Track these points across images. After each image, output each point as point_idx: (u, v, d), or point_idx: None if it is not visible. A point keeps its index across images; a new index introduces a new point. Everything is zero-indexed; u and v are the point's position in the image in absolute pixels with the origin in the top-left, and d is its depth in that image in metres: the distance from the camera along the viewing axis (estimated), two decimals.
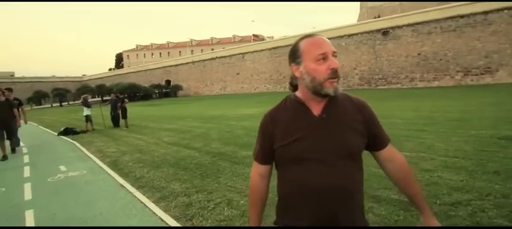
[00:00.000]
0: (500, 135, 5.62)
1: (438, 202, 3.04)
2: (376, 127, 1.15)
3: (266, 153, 1.14)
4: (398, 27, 26.19)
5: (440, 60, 23.98)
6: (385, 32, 27.14)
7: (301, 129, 1.05)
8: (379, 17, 30.93)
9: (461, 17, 22.77)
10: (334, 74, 1.02)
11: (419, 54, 25.14)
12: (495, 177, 3.57)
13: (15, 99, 7.90)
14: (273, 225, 1.18)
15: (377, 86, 27.66)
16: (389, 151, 1.18)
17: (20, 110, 7.68)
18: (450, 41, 23.44)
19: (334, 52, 1.04)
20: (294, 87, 1.16)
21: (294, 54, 1.08)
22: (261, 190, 1.20)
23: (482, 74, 22.01)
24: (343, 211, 1.04)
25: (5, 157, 6.77)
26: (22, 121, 7.94)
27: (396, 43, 26.49)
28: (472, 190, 3.23)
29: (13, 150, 7.50)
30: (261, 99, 24.22)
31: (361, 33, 28.85)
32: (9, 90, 7.72)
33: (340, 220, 1.04)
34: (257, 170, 1.20)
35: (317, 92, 1.03)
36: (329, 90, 1.02)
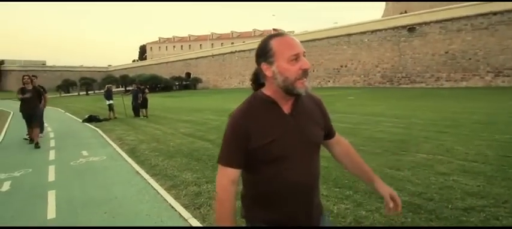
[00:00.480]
0: None
1: (450, 206, 2.95)
2: (329, 120, 1.27)
3: (239, 156, 1.08)
4: (426, 23, 25.05)
5: (470, 59, 22.73)
6: (411, 29, 26.06)
7: (277, 128, 1.07)
8: (405, 12, 29.66)
9: (494, 14, 21.41)
10: (305, 74, 1.05)
11: (446, 52, 23.96)
12: None
13: (39, 86, 8.01)
14: (264, 225, 1.15)
15: (400, 84, 26.72)
16: (336, 138, 1.33)
17: (42, 97, 7.68)
18: (481, 39, 22.14)
19: (304, 52, 1.07)
20: (258, 85, 1.16)
21: (266, 53, 1.07)
22: (232, 198, 1.11)
23: None
24: (312, 202, 1.15)
25: (37, 145, 6.71)
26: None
27: (422, 40, 25.38)
28: (488, 196, 3.10)
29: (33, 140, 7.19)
30: None
31: (385, 29, 27.87)
32: (35, 77, 7.90)
33: (312, 210, 1.14)
34: (228, 176, 1.09)
35: (289, 91, 1.06)
36: (300, 90, 1.05)
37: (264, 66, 1.08)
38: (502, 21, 21.20)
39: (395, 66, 27.26)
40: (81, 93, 48.01)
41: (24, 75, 7.38)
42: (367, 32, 29.10)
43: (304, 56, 1.07)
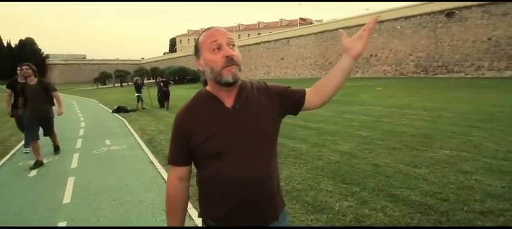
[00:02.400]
0: None
1: (466, 208, 2.69)
2: (285, 92, 1.15)
3: (184, 154, 1.09)
4: (466, 7, 22.97)
5: None
6: (449, 13, 24.06)
7: (217, 123, 1.04)
8: None
9: None
10: (230, 61, 1.01)
11: (489, 39, 21.85)
12: None
13: (44, 81, 5.17)
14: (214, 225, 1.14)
15: (435, 74, 24.95)
16: (309, 92, 1.15)
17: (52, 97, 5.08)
18: None
19: (230, 39, 1.03)
20: (205, 81, 1.14)
21: (195, 48, 1.09)
22: (182, 196, 1.13)
23: None
24: (264, 198, 1.08)
25: (38, 163, 4.75)
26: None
27: (462, 26, 23.36)
28: None
29: (57, 149, 5.68)
30: (303, 85, 23.64)
31: (421, 15, 26.01)
32: (29, 66, 4.83)
33: (263, 207, 1.08)
34: (176, 174, 1.11)
35: (218, 81, 1.03)
36: (227, 77, 1.01)
37: (196, 61, 1.09)
38: None
39: (431, 55, 25.45)
40: (116, 85, 50.76)
41: (22, 65, 5.01)
42: (400, 18, 27.38)
43: (233, 45, 1.04)
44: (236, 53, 1.03)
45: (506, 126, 5.84)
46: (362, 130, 6.23)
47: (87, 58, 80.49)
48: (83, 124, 9.38)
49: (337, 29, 32.52)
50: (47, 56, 72.48)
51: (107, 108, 14.32)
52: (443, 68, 24.63)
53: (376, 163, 4.04)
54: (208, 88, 1.10)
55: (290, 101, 1.15)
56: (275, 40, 41.00)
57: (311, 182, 3.49)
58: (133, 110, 12.32)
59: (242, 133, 1.04)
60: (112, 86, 50.10)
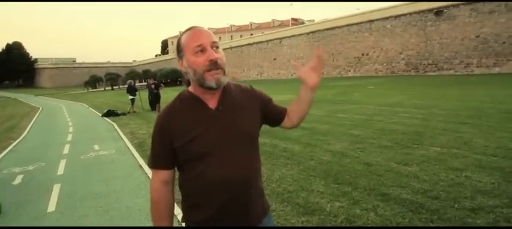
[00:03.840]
0: None
1: (456, 206, 2.68)
2: (269, 103, 1.18)
3: (167, 156, 1.05)
4: (454, 6, 23.33)
5: (504, 43, 20.94)
6: (438, 12, 24.40)
7: (200, 125, 1.02)
8: None
9: None
10: (214, 65, 0.98)
11: (478, 36, 22.24)
12: None
13: None
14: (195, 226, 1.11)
15: (426, 72, 25.27)
16: (288, 113, 1.20)
17: None
18: None
19: (214, 43, 1.00)
20: (187, 82, 1.12)
21: (178, 48, 1.06)
22: (167, 200, 1.10)
23: None
24: (249, 199, 1.06)
25: None
26: None
27: (451, 24, 23.71)
28: (502, 195, 2.79)
29: None
30: (296, 85, 23.69)
31: (410, 13, 26.31)
32: None
33: (248, 208, 1.06)
34: (159, 178, 1.08)
35: (201, 84, 1.01)
36: (210, 82, 0.99)
37: (178, 61, 1.06)
38: None
39: (421, 53, 25.77)
40: (106, 88, 50.08)
41: None
42: (391, 17, 27.66)
43: (217, 47, 1.01)
44: (220, 55, 1.01)
45: (495, 122, 5.91)
46: (354, 129, 6.22)
47: (77, 61, 79.30)
48: (71, 129, 9.19)
49: (328, 29, 32.77)
50: (36, 60, 71.07)
51: (96, 112, 14.07)
52: (433, 65, 24.97)
53: (368, 162, 4.03)
54: (191, 89, 1.08)
55: (272, 113, 1.18)
56: (267, 41, 41.01)
57: (303, 183, 3.45)
58: (123, 114, 12.14)
59: (226, 135, 1.02)
60: (103, 89, 49.40)
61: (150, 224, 2.89)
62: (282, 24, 58.88)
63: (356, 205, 2.85)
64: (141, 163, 4.92)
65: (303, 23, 52.65)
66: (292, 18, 60.44)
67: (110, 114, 11.89)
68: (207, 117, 1.03)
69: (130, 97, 12.70)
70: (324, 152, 4.66)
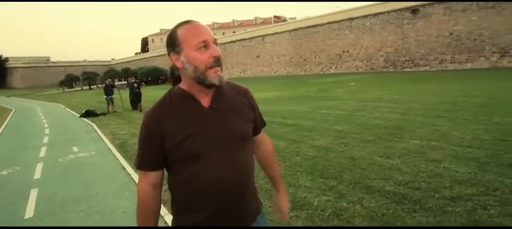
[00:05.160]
0: None
1: (437, 196, 2.80)
2: (256, 111, 1.17)
3: (156, 157, 1.00)
4: (430, 4, 24.24)
5: (475, 40, 22.01)
6: (414, 10, 25.25)
7: (193, 123, 0.98)
8: None
9: None
10: (217, 62, 0.96)
11: (451, 33, 23.24)
12: (509, 170, 3.21)
13: None
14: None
15: (403, 68, 26.14)
16: (263, 135, 1.25)
17: None
18: (487, 19, 21.35)
19: (215, 40, 0.98)
20: (175, 79, 1.07)
21: (173, 42, 0.99)
22: (155, 204, 1.04)
23: None
24: (244, 199, 1.05)
25: None
26: None
27: (426, 22, 24.62)
28: (478, 184, 2.94)
29: None
30: (280, 82, 23.88)
31: (388, 11, 27.07)
32: None
33: (243, 207, 1.05)
34: (148, 180, 1.02)
35: (201, 82, 0.97)
36: (213, 79, 0.96)
37: (173, 56, 1.00)
38: None
39: (399, 50, 26.62)
40: (84, 87, 48.25)
41: None
42: (370, 15, 28.33)
43: (216, 44, 0.99)
44: (220, 52, 0.99)
45: (469, 114, 6.21)
46: (338, 124, 6.35)
47: (51, 60, 75.76)
48: (47, 131, 8.78)
49: (310, 27, 33.13)
50: (7, 59, 67.21)
51: (74, 113, 13.52)
52: (410, 62, 25.86)
53: (352, 156, 4.12)
54: (182, 86, 1.03)
55: (255, 123, 1.16)
56: (250, 38, 40.92)
57: (290, 179, 3.48)
58: (103, 114, 11.74)
59: (220, 134, 0.99)
60: (80, 89, 47.54)
61: (134, 225, 2.80)
62: (265, 21, 58.96)
63: (342, 198, 2.91)
64: (123, 164, 4.78)
65: (285, 20, 52.93)
66: (274, 16, 60.63)
67: (88, 114, 11.47)
68: (200, 115, 0.99)
69: (107, 96, 12.25)
70: (309, 148, 4.72)
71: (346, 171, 3.62)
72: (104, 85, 13.13)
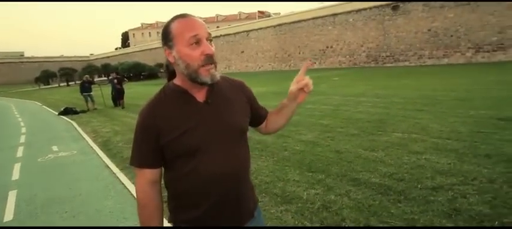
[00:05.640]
0: (501, 115, 5.35)
1: (419, 186, 2.91)
2: (256, 102, 1.17)
3: (153, 154, 0.98)
4: (409, 1, 24.94)
5: (451, 36, 22.91)
6: (395, 7, 25.90)
7: (189, 119, 0.97)
8: None
9: None
10: (209, 59, 0.94)
11: (429, 30, 24.05)
12: (485, 160, 3.39)
13: None
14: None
15: (384, 63, 26.85)
16: (267, 119, 1.22)
17: None
18: (463, 16, 22.25)
19: (209, 35, 0.96)
20: (170, 73, 1.06)
21: (166, 36, 0.97)
22: (156, 201, 1.02)
23: (494, 50, 20.99)
24: (242, 194, 1.04)
25: None
26: None
27: (406, 18, 25.34)
28: (458, 174, 3.08)
29: None
30: (265, 77, 23.91)
31: (370, 8, 27.62)
32: None
33: (241, 203, 1.04)
34: (146, 178, 1.00)
35: (193, 79, 0.95)
36: (205, 78, 0.94)
37: (166, 50, 0.98)
38: None
39: (380, 46, 27.28)
40: (61, 84, 46.34)
41: None
42: (352, 11, 28.79)
43: (210, 40, 0.96)
44: (214, 49, 0.96)
45: (448, 108, 6.48)
46: (323, 119, 6.45)
47: (25, 55, 72.10)
48: (24, 129, 8.38)
49: (294, 22, 33.28)
50: None
51: (52, 111, 12.98)
52: (391, 57, 26.59)
53: (338, 150, 4.21)
54: (177, 82, 1.01)
55: (256, 113, 1.16)
56: (234, 33, 40.63)
57: (278, 173, 3.51)
58: (83, 111, 11.34)
59: (217, 128, 0.98)
60: (57, 85, 45.60)
61: (122, 224, 2.75)
62: (249, 16, 58.69)
63: (330, 191, 2.97)
64: (107, 163, 4.66)
65: (269, 15, 52.93)
66: (258, 11, 60.50)
67: (67, 112, 11.03)
68: (196, 111, 0.98)
69: (84, 94, 11.79)
70: (296, 142, 4.78)
71: (333, 164, 3.70)
72: (81, 81, 12.61)
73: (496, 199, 2.52)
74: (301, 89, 1.09)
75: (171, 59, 0.98)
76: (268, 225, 2.48)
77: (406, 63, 25.22)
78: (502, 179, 2.87)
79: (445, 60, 23.18)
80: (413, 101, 7.81)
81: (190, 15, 0.97)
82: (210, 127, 0.97)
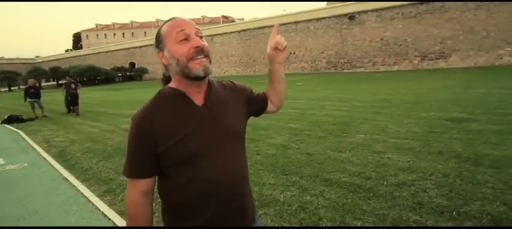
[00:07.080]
0: (448, 116, 5.98)
1: (385, 183, 3.14)
2: (252, 93, 1.16)
3: (148, 163, 0.93)
4: (364, 12, 26.83)
5: (401, 45, 25.12)
6: (351, 17, 27.69)
7: (188, 124, 0.93)
8: (347, 0, 31.39)
9: (421, 3, 23.84)
10: (200, 52, 0.92)
11: (381, 39, 26.10)
12: (439, 157, 3.77)
13: None
14: None
15: (342, 69, 28.46)
16: (269, 98, 1.21)
17: None
18: (410, 27, 24.56)
19: (199, 31, 0.96)
20: (166, 79, 1.04)
21: (157, 39, 0.97)
22: (148, 214, 0.97)
23: (437, 58, 23.47)
24: (243, 200, 1.02)
25: None
26: None
27: (361, 28, 27.21)
28: (417, 171, 3.38)
29: None
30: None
31: (329, 17, 29.18)
32: None
33: (243, 209, 1.02)
34: (138, 188, 0.94)
35: (186, 75, 0.93)
36: (197, 70, 0.91)
37: (159, 54, 0.98)
38: (427, 10, 23.72)
39: (339, 53, 28.88)
40: (2, 89, 41.51)
41: None
42: (313, 19, 30.14)
43: (201, 36, 0.95)
44: (206, 44, 0.95)
45: (402, 110, 7.07)
46: (291, 122, 6.63)
47: None
48: None
49: (259, 28, 33.80)
50: None
51: None
52: (348, 63, 28.29)
53: (309, 152, 4.36)
54: (172, 85, 0.98)
55: (255, 103, 1.15)
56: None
57: (254, 177, 3.52)
58: (31, 119, 10.29)
59: (217, 133, 0.95)
60: None
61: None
62: (213, 21, 58.30)
63: (305, 192, 3.06)
64: (65, 175, 4.27)
65: (233, 20, 53.10)
66: (222, 16, 60.38)
67: (12, 120, 9.92)
68: (194, 114, 0.94)
69: (31, 100, 10.72)
70: (268, 146, 4.84)
71: (305, 166, 3.82)
72: (25, 87, 11.40)
73: (451, 192, 2.80)
74: (276, 48, 1.11)
75: (164, 61, 0.96)
76: None
77: (362, 70, 26.99)
78: (454, 173, 3.21)
79: (396, 67, 25.26)
80: (371, 104, 8.38)
81: (178, 17, 0.97)
82: (209, 132, 0.94)
